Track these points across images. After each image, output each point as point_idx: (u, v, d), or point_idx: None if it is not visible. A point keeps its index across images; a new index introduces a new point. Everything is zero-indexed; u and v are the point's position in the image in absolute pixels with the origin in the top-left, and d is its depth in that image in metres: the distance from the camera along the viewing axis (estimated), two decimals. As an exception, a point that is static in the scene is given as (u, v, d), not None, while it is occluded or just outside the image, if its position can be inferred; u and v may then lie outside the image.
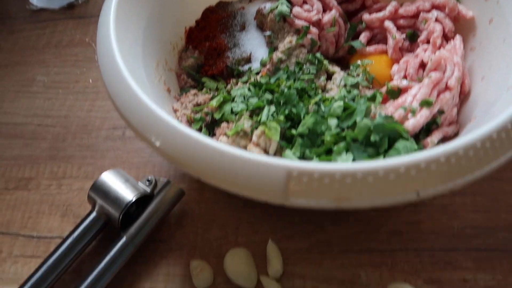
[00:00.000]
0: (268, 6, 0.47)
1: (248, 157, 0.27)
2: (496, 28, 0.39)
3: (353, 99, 0.41)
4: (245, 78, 0.45)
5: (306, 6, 0.46)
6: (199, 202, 0.43)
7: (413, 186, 0.25)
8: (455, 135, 0.39)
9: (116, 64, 0.34)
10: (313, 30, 0.45)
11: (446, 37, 0.44)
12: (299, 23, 0.45)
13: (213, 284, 0.39)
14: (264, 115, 0.38)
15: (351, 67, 0.46)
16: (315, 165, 0.26)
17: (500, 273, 0.37)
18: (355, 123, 0.35)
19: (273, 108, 0.39)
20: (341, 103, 0.37)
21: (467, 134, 0.26)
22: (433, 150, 0.26)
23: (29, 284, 0.38)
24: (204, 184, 0.44)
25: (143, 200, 0.40)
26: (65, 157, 0.48)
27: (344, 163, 0.26)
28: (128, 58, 0.36)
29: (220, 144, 0.28)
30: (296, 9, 0.45)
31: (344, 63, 0.48)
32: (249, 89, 0.42)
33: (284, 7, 0.46)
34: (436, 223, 0.40)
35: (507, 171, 0.42)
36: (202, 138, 0.28)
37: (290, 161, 0.26)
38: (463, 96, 0.41)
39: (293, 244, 0.40)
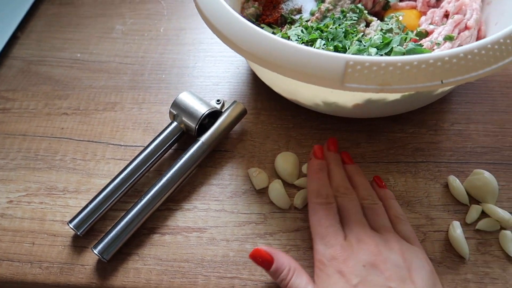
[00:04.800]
0: (317, -34, 0.57)
1: (315, 51, 0.36)
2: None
3: (388, 39, 0.50)
4: (297, 24, 0.54)
5: (350, -34, 0.55)
6: (256, 123, 0.53)
7: (439, 75, 0.34)
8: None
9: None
10: (356, -16, 0.54)
11: (468, -7, 0.52)
12: (344, -22, 0.54)
13: (268, 185, 0.48)
14: (317, 44, 0.47)
15: (386, 19, 0.55)
16: (367, 57, 0.35)
17: (504, 180, 0.46)
18: (391, 50, 0.44)
19: (323, 41, 0.48)
20: (379, 35, 0.46)
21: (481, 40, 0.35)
22: (455, 49, 0.34)
23: (119, 178, 0.47)
24: (260, 109, 0.54)
25: (214, 115, 0.50)
26: (144, 87, 0.58)
27: (387, 57, 0.35)
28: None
29: (292, 42, 0.37)
30: (342, -32, 0.55)
31: (379, 17, 0.57)
32: (301, 31, 0.52)
33: (331, -33, 0.55)
34: (453, 143, 0.49)
35: (514, 104, 0.51)
36: (275, 37, 0.37)
37: (347, 55, 0.35)
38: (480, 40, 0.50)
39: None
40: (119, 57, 0.62)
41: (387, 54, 0.45)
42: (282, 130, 0.52)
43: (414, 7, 0.55)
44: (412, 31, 0.50)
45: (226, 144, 0.51)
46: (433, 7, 0.55)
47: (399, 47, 0.44)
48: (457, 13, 0.47)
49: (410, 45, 0.44)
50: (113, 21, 0.67)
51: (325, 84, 0.36)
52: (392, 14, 0.54)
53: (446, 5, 0.51)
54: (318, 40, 0.48)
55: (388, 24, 0.53)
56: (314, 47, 0.47)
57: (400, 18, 0.54)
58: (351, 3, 0.54)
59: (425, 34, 0.50)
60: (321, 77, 0.36)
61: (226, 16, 0.40)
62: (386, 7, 0.57)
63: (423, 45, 0.44)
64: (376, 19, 0.54)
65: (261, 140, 0.51)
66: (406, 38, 0.46)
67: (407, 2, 0.55)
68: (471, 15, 0.47)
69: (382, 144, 0.50)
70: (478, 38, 0.49)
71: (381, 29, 0.52)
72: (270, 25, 0.57)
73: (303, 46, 0.36)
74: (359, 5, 0.54)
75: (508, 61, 0.35)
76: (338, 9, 0.54)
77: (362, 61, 0.35)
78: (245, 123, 0.53)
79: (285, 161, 0.48)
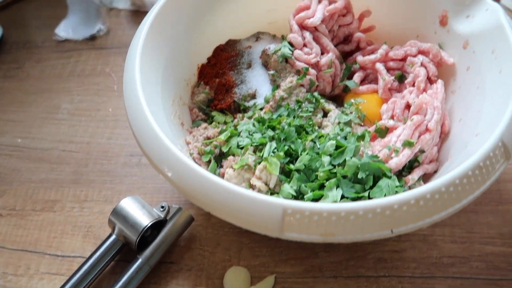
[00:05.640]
0: (272, 47, 0.53)
1: (250, 195, 0.32)
2: (472, 75, 0.44)
3: (345, 137, 0.46)
4: (250, 113, 0.50)
5: (306, 49, 0.51)
6: (206, 227, 0.48)
7: (388, 224, 0.30)
8: (435, 172, 0.44)
9: (140, 105, 0.39)
10: (312, 71, 0.50)
11: (430, 80, 0.49)
12: (300, 64, 0.50)
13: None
14: (266, 151, 0.43)
15: (345, 105, 0.51)
16: (306, 204, 0.31)
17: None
18: (345, 161, 0.40)
19: (274, 144, 0.44)
20: (333, 142, 0.42)
21: (433, 180, 0.31)
22: (406, 195, 0.30)
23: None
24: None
25: (157, 225, 0.45)
26: (87, 182, 0.53)
27: (330, 204, 0.31)
28: (150, 100, 0.41)
29: (226, 183, 0.33)
30: (297, 52, 0.50)
31: (339, 101, 0.53)
32: (253, 125, 0.48)
33: (286, 50, 0.51)
34: (417, 252, 0.45)
35: (483, 204, 0.47)
36: (211, 175, 0.33)
37: (286, 200, 0.31)
38: (444, 135, 0.46)
39: (289, 268, 0.44)
40: (63, 143, 0.57)
41: (341, 165, 0.41)
42: (234, 235, 0.48)
43: (376, 91, 0.51)
44: (370, 127, 0.46)
45: (173, 254, 0.47)
46: (395, 90, 0.51)
47: (353, 159, 0.40)
48: (417, 113, 0.43)
49: (365, 157, 0.40)
50: (60, 97, 0.62)
51: (264, 232, 0.32)
52: (352, 101, 0.51)
53: (407, 95, 0.47)
54: (268, 145, 0.43)
55: (347, 114, 0.49)
56: (262, 155, 0.43)
57: (360, 106, 0.50)
58: (307, 92, 0.50)
59: (385, 130, 0.46)
60: (259, 225, 0.32)
61: (166, 153, 0.35)
62: (347, 89, 0.53)
63: (379, 157, 0.40)
64: (335, 107, 0.50)
65: (211, 249, 0.47)
66: (360, 145, 0.42)
67: (368, 85, 0.52)
68: (432, 115, 0.43)
69: (341, 254, 0.45)
70: (442, 134, 0.46)
71: (339, 122, 0.48)
72: (222, 111, 0.52)
73: (240, 190, 0.32)
74: (316, 94, 0.50)
75: (466, 201, 0.32)
76: (294, 98, 0.50)
77: (302, 209, 0.31)
78: (195, 226, 0.48)
79: (235, 279, 0.43)
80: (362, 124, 0.49)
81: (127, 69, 0.42)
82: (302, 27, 0.51)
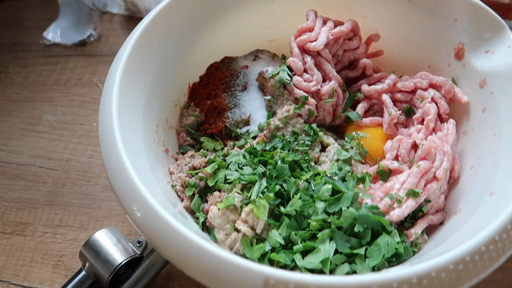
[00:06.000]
0: (270, 70, 0.48)
1: (229, 259, 0.28)
2: (488, 118, 0.40)
3: (344, 177, 0.41)
4: (242, 141, 0.46)
5: (306, 75, 0.46)
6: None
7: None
8: (441, 223, 0.39)
9: (114, 139, 0.35)
10: (311, 101, 0.46)
11: (440, 118, 0.44)
12: (298, 92, 0.46)
13: None
14: (254, 192, 0.39)
15: (346, 138, 0.47)
16: (292, 275, 0.27)
17: None
18: (341, 210, 0.36)
19: (264, 183, 0.40)
20: (329, 186, 0.38)
21: (427, 261, 0.27)
22: (404, 272, 0.26)
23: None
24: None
25: (133, 262, 0.41)
26: (63, 204, 0.49)
27: (319, 277, 0.26)
28: (127, 130, 0.37)
29: (202, 241, 0.29)
30: (296, 78, 0.46)
31: (340, 131, 0.49)
32: (244, 157, 0.43)
33: (285, 75, 0.47)
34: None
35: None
36: (188, 233, 0.29)
37: (268, 268, 0.27)
38: (452, 181, 0.42)
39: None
40: (41, 158, 0.53)
41: (336, 213, 0.37)
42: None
43: (380, 124, 0.47)
44: (372, 167, 0.42)
45: (148, 294, 0.43)
46: (402, 124, 0.47)
47: (350, 209, 0.35)
48: (424, 158, 0.39)
49: (364, 208, 0.36)
50: (42, 108, 0.58)
51: (240, 300, 0.28)
52: (353, 134, 0.46)
53: (414, 134, 0.43)
54: (257, 185, 0.39)
55: (347, 150, 0.44)
56: (251, 194, 0.39)
57: (362, 141, 0.45)
58: (304, 122, 0.46)
59: (388, 173, 0.42)
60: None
61: (147, 210, 0.31)
62: (349, 120, 0.48)
63: (379, 208, 0.36)
64: (334, 140, 0.46)
65: (190, 290, 0.43)
66: (359, 192, 0.38)
67: (372, 118, 0.47)
68: (441, 161, 0.38)
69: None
70: (450, 179, 0.41)
71: (338, 159, 0.44)
72: (213, 136, 0.48)
73: (217, 251, 0.28)
74: (314, 126, 0.45)
75: (477, 280, 0.27)
76: (290, 128, 0.46)
77: (285, 281, 0.26)
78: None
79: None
80: (364, 161, 0.45)
81: (105, 93, 0.38)
82: (304, 50, 0.47)
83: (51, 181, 0.51)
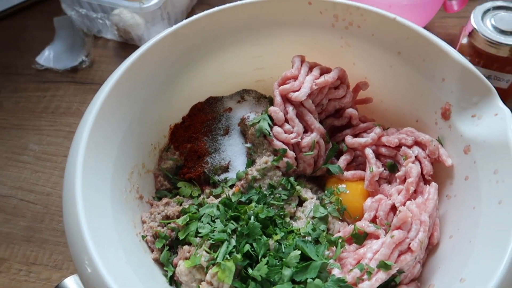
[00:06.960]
0: (252, 117, 0.47)
1: None
2: (470, 189, 0.38)
3: (317, 238, 0.40)
4: (219, 189, 0.45)
5: (287, 126, 0.45)
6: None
7: None
8: (415, 293, 0.38)
9: (74, 203, 0.34)
10: (290, 153, 0.44)
11: (424, 179, 0.43)
12: (277, 144, 0.44)
13: None
14: (221, 253, 0.38)
15: (326, 191, 0.45)
16: None
17: None
18: (306, 281, 0.35)
19: (233, 242, 0.39)
20: (298, 252, 0.37)
21: None
22: None
23: None
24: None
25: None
26: (40, 241, 0.49)
27: None
28: (92, 187, 0.36)
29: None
30: (276, 129, 0.45)
31: (322, 182, 0.48)
32: (217, 208, 0.42)
33: (265, 124, 0.45)
34: None
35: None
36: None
37: None
38: (432, 247, 0.40)
39: None
40: (23, 191, 0.53)
41: (302, 283, 0.35)
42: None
43: (362, 179, 0.45)
44: (340, 241, 0.40)
45: None
46: (384, 179, 0.45)
47: (316, 281, 0.34)
48: (399, 227, 0.37)
49: (331, 281, 0.34)
50: (29, 136, 0.58)
51: None
52: (333, 188, 0.45)
53: (395, 195, 0.41)
54: (225, 245, 0.38)
55: (324, 206, 0.43)
56: (217, 255, 0.38)
57: (342, 197, 0.44)
58: (283, 175, 0.45)
59: (364, 236, 0.40)
60: None
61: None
62: (330, 172, 0.47)
63: (346, 282, 0.35)
64: (312, 195, 0.45)
65: None
66: (329, 261, 0.36)
67: (354, 172, 0.46)
68: (416, 232, 0.37)
69: None
70: (429, 245, 0.40)
71: (313, 217, 0.42)
72: (191, 180, 0.47)
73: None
74: (292, 180, 0.44)
75: None
76: (267, 180, 0.44)
77: None
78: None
79: None
80: (341, 218, 0.43)
81: (73, 145, 0.38)
82: (286, 99, 0.45)
83: (30, 216, 0.51)
